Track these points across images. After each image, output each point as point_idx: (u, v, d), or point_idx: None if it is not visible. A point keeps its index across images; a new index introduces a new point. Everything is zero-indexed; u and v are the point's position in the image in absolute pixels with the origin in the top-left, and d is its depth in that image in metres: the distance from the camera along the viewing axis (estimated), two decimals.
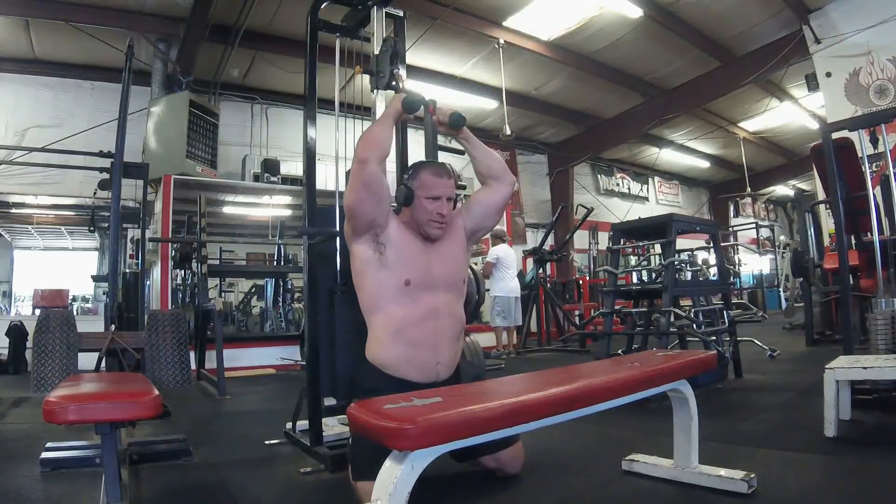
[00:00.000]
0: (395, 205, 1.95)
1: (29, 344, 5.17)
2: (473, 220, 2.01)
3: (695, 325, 3.43)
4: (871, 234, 2.86)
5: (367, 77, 2.40)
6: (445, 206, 1.86)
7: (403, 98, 1.90)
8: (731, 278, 8.95)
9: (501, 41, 6.72)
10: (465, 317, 2.00)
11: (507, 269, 6.33)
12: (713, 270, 4.81)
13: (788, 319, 7.42)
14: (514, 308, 6.36)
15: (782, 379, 3.58)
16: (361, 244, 1.83)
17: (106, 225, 5.67)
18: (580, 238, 9.05)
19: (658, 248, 4.31)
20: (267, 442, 2.51)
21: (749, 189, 11.73)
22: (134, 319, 3.92)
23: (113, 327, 2.67)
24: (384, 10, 2.46)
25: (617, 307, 3.71)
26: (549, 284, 7.55)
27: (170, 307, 5.64)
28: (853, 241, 3.37)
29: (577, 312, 7.90)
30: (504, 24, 6.61)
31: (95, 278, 7.80)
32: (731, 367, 3.60)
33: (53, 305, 6.96)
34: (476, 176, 2.07)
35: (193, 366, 4.70)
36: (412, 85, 2.41)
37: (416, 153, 2.50)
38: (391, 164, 2.20)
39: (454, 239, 1.96)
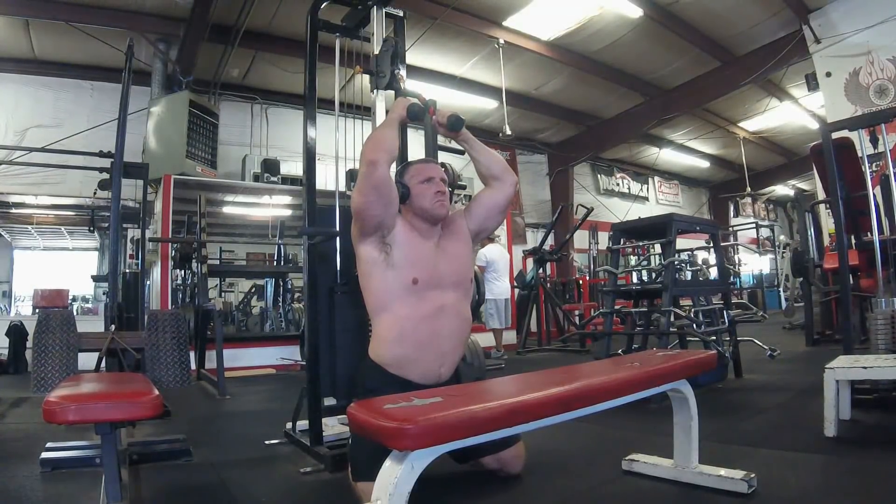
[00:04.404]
0: None
1: (29, 344, 5.17)
2: (475, 220, 2.02)
3: (695, 325, 3.43)
4: (871, 234, 2.86)
5: (367, 77, 2.41)
6: (441, 185, 1.91)
7: (409, 105, 1.91)
8: (731, 278, 8.96)
9: (501, 41, 6.71)
10: (471, 318, 2.00)
11: (495, 271, 6.22)
12: (713, 270, 4.81)
13: (788, 319, 7.43)
14: (506, 310, 6.34)
15: (782, 379, 3.58)
16: (368, 245, 1.83)
17: (106, 225, 5.66)
18: (580, 238, 9.05)
19: (658, 248, 4.31)
20: (267, 442, 2.51)
21: (749, 189, 11.73)
22: (134, 319, 3.92)
23: (113, 327, 2.67)
24: (384, 10, 2.46)
25: (617, 307, 3.71)
26: (549, 284, 7.55)
27: (170, 307, 5.63)
28: (853, 241, 3.36)
29: (577, 312, 7.90)
30: (504, 24, 6.61)
31: (95, 278, 7.79)
32: (731, 367, 3.60)
33: (53, 305, 6.97)
34: (478, 177, 2.08)
35: (193, 366, 4.70)
36: (412, 85, 2.41)
37: (417, 153, 2.50)
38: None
39: (459, 238, 1.97)
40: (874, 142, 4.17)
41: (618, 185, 12.05)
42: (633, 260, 7.71)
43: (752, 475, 1.61)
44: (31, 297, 10.52)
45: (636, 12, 6.30)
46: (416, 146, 2.51)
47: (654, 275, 4.59)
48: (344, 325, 2.24)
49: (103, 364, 2.47)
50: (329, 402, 2.25)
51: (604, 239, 6.99)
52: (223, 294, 7.89)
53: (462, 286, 1.93)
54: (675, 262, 3.38)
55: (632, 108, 9.07)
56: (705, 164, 12.63)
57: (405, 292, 1.80)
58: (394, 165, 1.91)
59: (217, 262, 7.42)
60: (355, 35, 2.56)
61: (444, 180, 1.95)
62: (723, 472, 1.66)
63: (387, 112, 2.08)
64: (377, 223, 1.79)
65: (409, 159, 2.46)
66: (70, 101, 6.55)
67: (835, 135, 2.99)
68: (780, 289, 9.90)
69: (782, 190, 14.33)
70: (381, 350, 1.84)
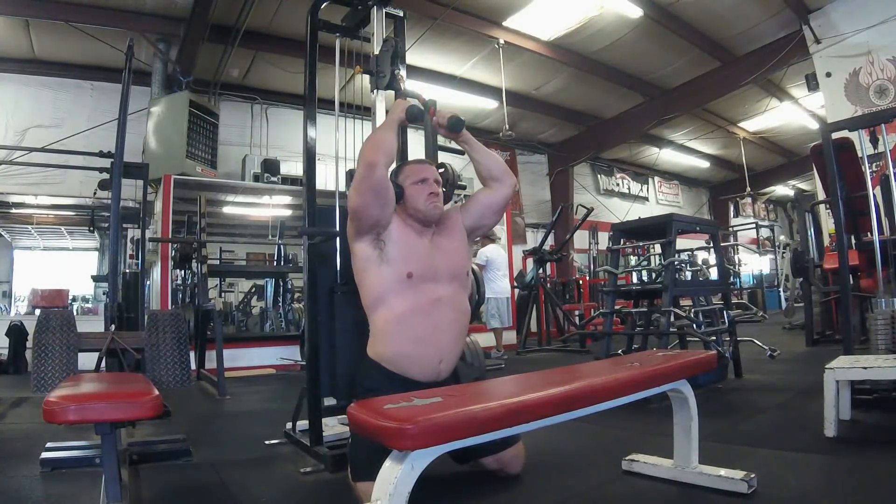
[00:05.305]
0: None
1: (29, 344, 5.17)
2: (471, 217, 2.03)
3: (695, 325, 3.43)
4: (871, 234, 2.86)
5: (367, 77, 2.41)
6: (434, 187, 1.92)
7: (408, 107, 1.92)
8: (731, 278, 8.96)
9: (501, 41, 6.71)
10: (469, 310, 2.01)
11: (497, 269, 6.25)
12: (713, 270, 4.81)
13: (788, 319, 7.43)
14: (507, 308, 6.35)
15: (782, 379, 3.58)
16: (362, 243, 1.85)
17: (106, 225, 5.66)
18: (580, 238, 9.05)
19: (658, 248, 4.31)
20: (267, 442, 2.51)
21: (749, 189, 11.73)
22: (134, 319, 3.91)
23: (113, 327, 2.67)
24: (384, 10, 2.45)
25: (617, 307, 3.71)
26: (549, 284, 7.54)
27: (170, 307, 5.63)
28: (853, 241, 3.36)
29: (577, 312, 7.89)
30: (504, 24, 6.61)
31: (95, 278, 7.79)
32: (731, 367, 3.60)
33: (53, 305, 6.97)
34: (477, 177, 2.09)
35: (193, 366, 4.70)
36: (412, 85, 2.41)
37: (417, 152, 2.50)
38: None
39: (454, 232, 1.98)
40: (874, 142, 4.17)
41: (618, 185, 12.05)
42: (633, 260, 7.71)
43: (752, 475, 1.61)
44: (28, 296, 10.52)
45: (636, 12, 6.30)
46: (417, 146, 2.51)
47: (654, 275, 4.59)
48: (344, 325, 2.24)
49: (103, 364, 2.47)
50: (329, 402, 2.25)
51: (604, 239, 6.99)
52: (223, 294, 7.88)
53: (458, 279, 1.93)
54: (675, 263, 3.38)
55: (632, 108, 9.07)
56: (705, 164, 12.63)
57: (401, 286, 1.81)
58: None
59: (217, 262, 7.41)
60: (355, 35, 2.55)
61: (438, 181, 1.96)
62: (723, 472, 1.66)
63: (387, 112, 2.09)
64: (373, 223, 1.81)
65: (408, 157, 2.47)
66: (70, 101, 6.55)
67: (835, 135, 2.98)
68: (780, 289, 9.90)
69: (782, 190, 14.33)
70: (379, 346, 1.84)
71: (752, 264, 13.56)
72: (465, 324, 1.95)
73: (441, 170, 2.24)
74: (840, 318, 4.58)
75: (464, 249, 2.00)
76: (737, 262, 11.00)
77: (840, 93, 6.20)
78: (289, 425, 2.49)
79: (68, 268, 11.86)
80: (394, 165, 1.98)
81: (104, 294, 6.45)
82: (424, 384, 1.78)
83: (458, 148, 2.14)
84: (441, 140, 2.39)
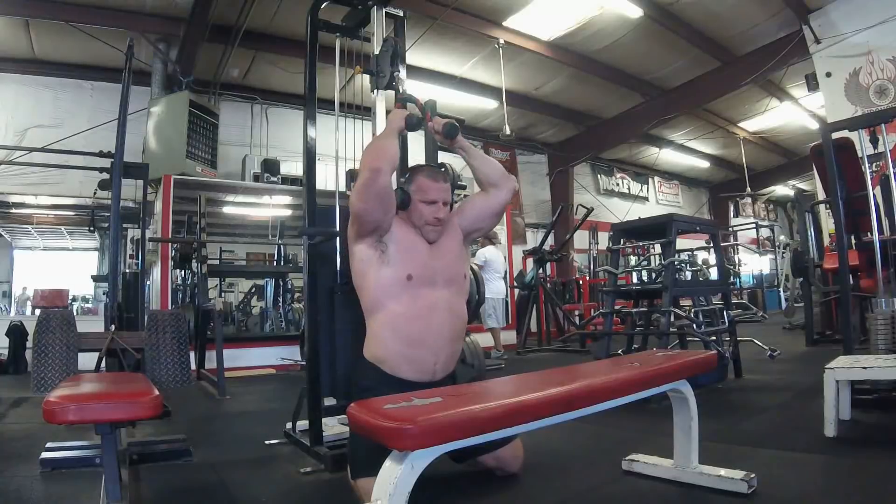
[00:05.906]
0: None
1: (29, 344, 5.17)
2: (467, 221, 2.03)
3: (695, 325, 3.43)
4: (871, 234, 2.86)
5: (367, 77, 2.41)
6: (442, 210, 1.88)
7: (406, 116, 1.93)
8: (731, 278, 8.96)
9: (501, 41, 6.71)
10: (466, 314, 2.00)
11: (495, 271, 6.30)
12: (713, 270, 4.81)
13: (788, 319, 7.42)
14: (502, 308, 6.41)
15: (782, 379, 3.58)
16: (362, 244, 1.85)
17: (106, 225, 5.65)
18: (580, 238, 9.05)
19: (658, 248, 4.31)
20: (267, 442, 2.51)
21: (749, 189, 11.72)
22: (134, 319, 3.92)
23: (113, 327, 2.67)
24: (384, 10, 2.46)
25: (617, 307, 3.71)
26: (549, 284, 7.55)
27: (170, 307, 5.63)
28: (853, 241, 3.36)
29: (577, 312, 7.90)
30: (504, 24, 6.61)
31: (95, 278, 7.79)
32: (731, 367, 3.60)
33: (53, 305, 6.97)
34: (475, 183, 2.08)
35: (193, 366, 4.70)
36: (412, 84, 2.41)
37: (417, 152, 2.51)
38: None
39: (451, 236, 1.97)
40: (874, 142, 4.16)
41: (618, 185, 12.05)
42: (633, 260, 7.71)
43: (752, 475, 1.61)
44: (21, 295, 10.51)
45: (636, 12, 6.31)
46: (417, 146, 2.51)
47: (654, 275, 4.59)
48: (344, 325, 2.24)
49: (103, 364, 2.47)
50: (329, 402, 2.25)
51: (604, 239, 6.98)
52: (223, 294, 7.87)
53: (455, 283, 1.93)
54: (675, 263, 3.38)
55: (632, 108, 9.07)
56: (705, 164, 12.62)
57: (400, 290, 1.82)
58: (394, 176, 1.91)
59: (217, 262, 7.41)
60: (355, 35, 2.55)
61: (447, 203, 1.91)
62: (723, 472, 1.66)
63: (387, 112, 2.09)
64: (375, 227, 1.82)
65: (408, 159, 2.47)
66: (70, 101, 6.55)
67: (835, 135, 2.99)
68: (780, 289, 9.90)
69: (782, 190, 14.32)
70: (374, 349, 1.85)
71: (752, 264, 13.55)
72: (460, 327, 1.95)
73: (441, 170, 2.24)
74: (840, 318, 4.58)
75: (461, 253, 2.00)
76: (737, 262, 10.99)
77: (840, 93, 6.20)
78: (289, 425, 2.49)
79: (68, 268, 11.85)
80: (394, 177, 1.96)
81: (104, 294, 6.46)
82: (420, 384, 1.78)
83: None
84: None
